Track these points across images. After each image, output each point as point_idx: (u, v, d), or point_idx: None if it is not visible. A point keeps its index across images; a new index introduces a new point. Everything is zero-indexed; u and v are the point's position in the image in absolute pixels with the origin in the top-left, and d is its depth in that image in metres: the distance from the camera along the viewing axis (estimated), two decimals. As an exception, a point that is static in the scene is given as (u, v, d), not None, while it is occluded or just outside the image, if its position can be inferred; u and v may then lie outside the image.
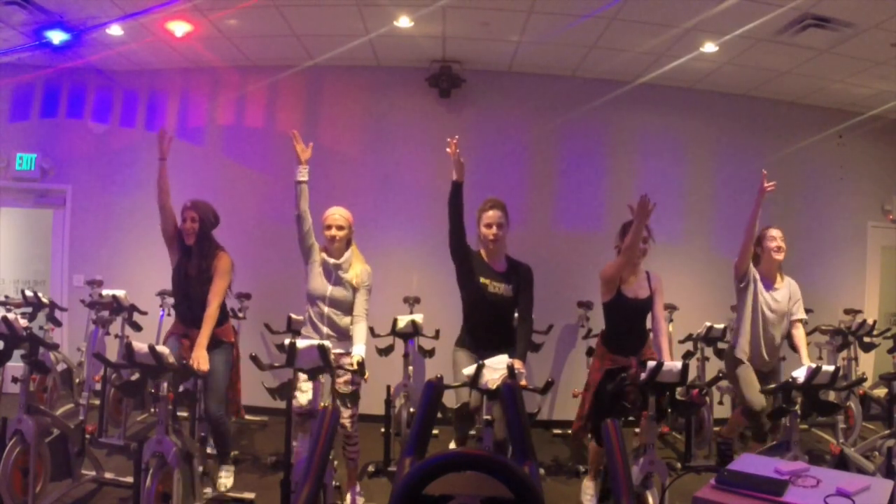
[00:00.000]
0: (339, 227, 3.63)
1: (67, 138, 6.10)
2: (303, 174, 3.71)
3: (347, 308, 3.66)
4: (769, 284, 3.92)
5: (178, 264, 3.80)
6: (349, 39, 5.17)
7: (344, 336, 3.67)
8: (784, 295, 3.92)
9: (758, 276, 3.90)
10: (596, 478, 3.95)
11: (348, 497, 3.70)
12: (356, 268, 3.68)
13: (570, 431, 5.42)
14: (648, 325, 3.93)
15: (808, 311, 5.44)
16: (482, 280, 3.44)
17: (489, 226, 3.45)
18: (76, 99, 6.10)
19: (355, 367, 3.36)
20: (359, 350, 3.50)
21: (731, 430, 4.26)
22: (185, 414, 4.25)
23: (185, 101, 6.09)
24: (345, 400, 3.46)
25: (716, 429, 4.88)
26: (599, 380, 3.76)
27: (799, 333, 3.91)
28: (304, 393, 3.38)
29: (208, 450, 4.10)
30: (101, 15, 4.68)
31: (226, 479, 3.96)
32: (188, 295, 3.79)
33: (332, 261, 3.65)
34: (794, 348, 3.95)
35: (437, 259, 4.87)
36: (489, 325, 3.47)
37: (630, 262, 3.64)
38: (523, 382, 3.03)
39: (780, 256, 3.88)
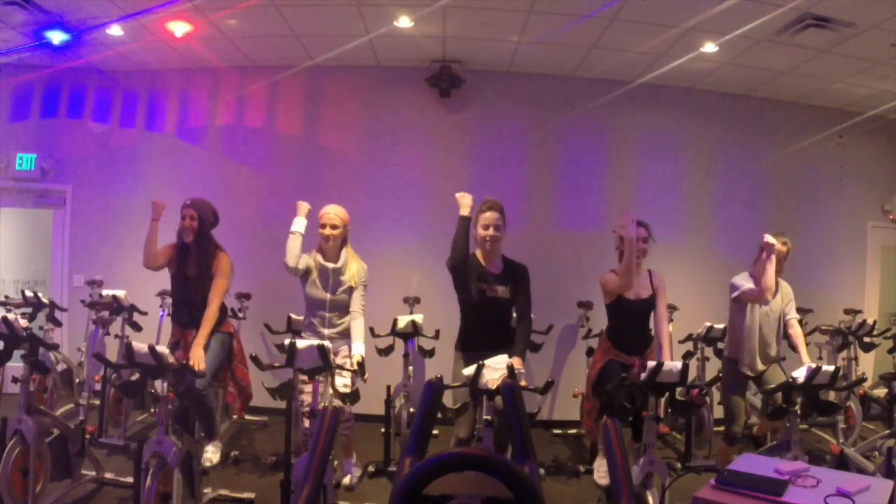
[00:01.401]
0: (334, 226, 3.60)
1: (67, 138, 6.10)
2: (300, 225, 3.64)
3: (348, 305, 3.66)
4: None
5: (177, 268, 3.79)
6: (349, 39, 5.17)
7: (347, 334, 3.67)
8: (777, 299, 3.91)
9: (749, 278, 3.87)
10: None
11: (346, 480, 3.69)
12: (352, 268, 3.65)
13: (570, 432, 5.46)
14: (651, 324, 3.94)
15: (808, 311, 5.47)
16: (479, 285, 3.44)
17: (486, 227, 3.43)
18: (76, 99, 6.10)
19: (355, 366, 3.36)
20: (358, 349, 3.50)
21: (725, 463, 4.20)
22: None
23: (185, 101, 6.09)
24: (344, 399, 3.46)
25: (716, 428, 4.88)
26: (599, 369, 3.78)
27: (796, 332, 3.90)
28: (308, 394, 3.39)
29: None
30: (101, 15, 4.68)
31: (212, 454, 3.76)
32: (188, 298, 3.77)
33: (329, 266, 3.61)
34: (793, 347, 3.94)
35: (437, 259, 4.84)
36: (488, 327, 3.47)
37: (628, 284, 3.67)
38: (523, 382, 3.03)
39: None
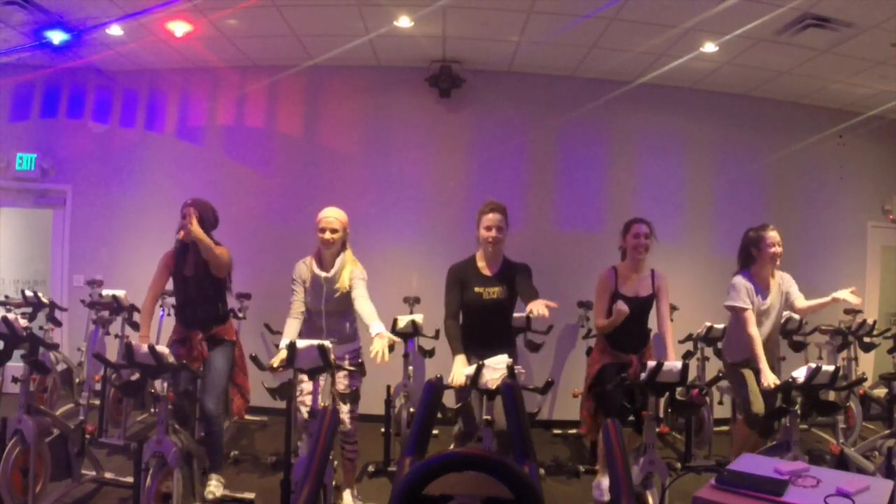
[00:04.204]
0: (333, 230, 3.54)
1: (67, 138, 6.09)
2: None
3: (346, 310, 3.64)
4: (763, 290, 3.76)
5: (177, 270, 3.78)
6: (349, 39, 5.17)
7: (345, 338, 3.65)
8: (775, 294, 3.78)
9: (753, 291, 3.74)
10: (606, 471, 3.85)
11: (346, 496, 3.68)
12: (345, 275, 3.56)
13: (570, 432, 5.46)
14: (650, 324, 3.93)
15: (808, 310, 5.46)
16: (476, 290, 3.47)
17: (489, 228, 3.45)
18: (76, 99, 6.10)
19: (386, 348, 3.15)
20: (378, 327, 3.30)
21: (741, 448, 3.85)
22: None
23: (185, 101, 6.09)
24: (345, 399, 3.46)
25: (716, 428, 4.88)
26: (597, 371, 3.77)
27: (807, 303, 3.76)
28: (307, 383, 3.37)
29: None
30: (101, 15, 4.68)
31: (215, 488, 3.70)
32: (189, 298, 3.77)
33: (322, 275, 3.57)
34: (810, 309, 3.80)
35: (437, 259, 4.86)
36: (487, 329, 3.50)
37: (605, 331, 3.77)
38: (521, 370, 3.05)
39: (777, 260, 3.73)
